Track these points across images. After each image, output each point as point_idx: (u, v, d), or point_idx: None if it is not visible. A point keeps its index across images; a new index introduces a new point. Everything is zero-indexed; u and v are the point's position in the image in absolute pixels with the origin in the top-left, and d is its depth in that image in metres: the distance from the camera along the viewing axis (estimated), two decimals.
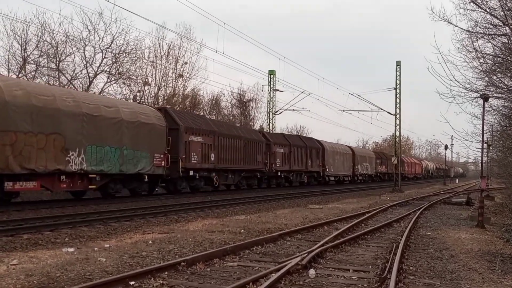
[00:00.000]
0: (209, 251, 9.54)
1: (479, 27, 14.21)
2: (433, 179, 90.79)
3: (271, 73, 46.36)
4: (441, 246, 12.02)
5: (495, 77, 16.37)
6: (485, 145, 23.36)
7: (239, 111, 52.56)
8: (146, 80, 38.00)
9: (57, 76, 30.79)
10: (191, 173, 25.35)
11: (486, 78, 16.74)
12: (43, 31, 29.77)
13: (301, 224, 15.02)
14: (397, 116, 44.17)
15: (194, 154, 25.25)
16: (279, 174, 36.28)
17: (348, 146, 54.67)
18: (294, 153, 38.07)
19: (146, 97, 37.94)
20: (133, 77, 35.84)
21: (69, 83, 31.00)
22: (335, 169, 46.40)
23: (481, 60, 15.62)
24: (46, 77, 30.43)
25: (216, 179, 28.00)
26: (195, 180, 26.36)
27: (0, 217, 14.05)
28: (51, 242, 10.79)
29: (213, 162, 26.87)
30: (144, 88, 37.97)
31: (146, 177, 22.20)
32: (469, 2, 13.21)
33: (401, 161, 68.43)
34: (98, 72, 32.40)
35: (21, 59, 29.35)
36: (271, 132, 43.61)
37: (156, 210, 17.51)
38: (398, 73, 43.93)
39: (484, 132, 18.21)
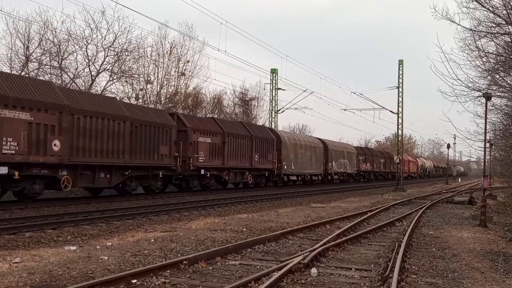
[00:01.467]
0: (211, 249, 9.55)
1: (482, 25, 14.21)
2: (433, 179, 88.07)
3: (274, 71, 46.34)
4: (443, 245, 12.00)
5: (497, 76, 16.35)
6: (487, 144, 23.32)
7: (241, 110, 52.54)
8: (149, 78, 38.04)
9: (59, 75, 30.83)
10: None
11: (489, 77, 16.73)
12: (46, 29, 29.84)
13: (303, 223, 15.01)
14: (400, 114, 44.14)
15: None
16: (203, 172, 25.91)
17: (319, 139, 44.69)
18: (231, 144, 28.35)
19: (148, 96, 37.99)
20: (136, 75, 35.88)
21: (71, 81, 31.03)
22: (298, 166, 37.89)
23: (484, 59, 15.62)
24: (49, 75, 30.48)
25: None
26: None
27: (2, 215, 14.09)
28: (54, 240, 10.81)
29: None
30: (146, 87, 38.00)
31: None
32: (472, 1, 13.22)
33: (392, 159, 63.46)
34: (100, 71, 32.44)
35: (23, 57, 29.41)
36: (193, 115, 34.05)
37: (158, 208, 17.54)
38: (400, 72, 43.91)
39: (487, 131, 18.16)
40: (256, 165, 31.60)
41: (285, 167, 35.77)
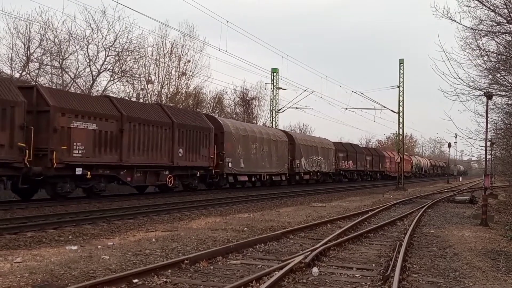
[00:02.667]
0: (212, 249, 9.55)
1: (483, 24, 14.22)
2: (430, 178, 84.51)
3: (274, 71, 46.32)
4: (444, 244, 12.00)
5: (498, 75, 16.35)
6: (488, 143, 23.32)
7: (242, 110, 52.55)
8: (149, 78, 38.09)
9: (60, 75, 30.87)
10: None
11: (490, 76, 16.74)
12: (46, 29, 29.90)
13: (304, 222, 15.01)
14: (401, 114, 44.11)
15: None
16: (78, 171, 18.22)
17: (283, 131, 39.09)
18: (135, 133, 20.82)
19: (149, 95, 38.02)
20: (136, 75, 35.97)
21: (72, 81, 31.07)
22: (250, 163, 30.44)
23: (485, 58, 15.62)
24: (50, 75, 30.53)
25: None
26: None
27: (3, 215, 14.10)
28: (55, 240, 10.82)
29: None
30: (147, 86, 38.07)
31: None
32: (473, 0, 13.20)
33: (381, 156, 61.23)
34: (101, 71, 32.49)
35: (24, 57, 29.45)
36: (67, 91, 26.38)
37: (159, 208, 17.55)
38: (401, 71, 43.88)
39: (488, 130, 18.15)
40: (181, 162, 23.46)
41: (230, 165, 28.01)
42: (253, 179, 31.91)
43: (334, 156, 45.83)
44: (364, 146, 75.23)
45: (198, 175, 25.65)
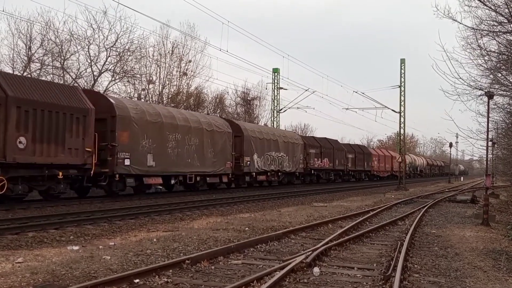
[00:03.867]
0: (214, 249, 9.56)
1: (484, 24, 14.21)
2: (432, 178, 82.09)
3: (275, 71, 46.34)
4: (446, 244, 11.99)
5: (500, 75, 16.34)
6: (490, 143, 23.31)
7: (243, 110, 52.57)
8: (151, 78, 38.12)
9: (61, 75, 30.89)
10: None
11: (491, 76, 16.72)
12: (48, 29, 29.90)
13: (306, 222, 15.01)
14: (402, 114, 44.08)
15: None
16: None
17: (227, 120, 31.13)
18: None
19: (150, 96, 38.05)
20: (138, 75, 35.97)
21: (73, 81, 31.08)
22: (163, 161, 22.69)
23: (486, 58, 15.61)
24: (51, 75, 30.54)
25: None
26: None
27: (5, 215, 14.12)
28: (56, 240, 10.83)
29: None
30: (148, 87, 38.09)
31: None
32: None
33: (367, 154, 55.66)
34: (102, 71, 32.52)
35: (25, 58, 29.48)
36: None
37: (161, 208, 17.56)
38: (402, 71, 43.87)
39: (489, 130, 18.15)
40: (22, 158, 15.89)
41: (127, 163, 20.48)
42: (172, 181, 24.16)
43: (303, 152, 38.71)
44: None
45: (61, 176, 17.36)
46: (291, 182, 37.90)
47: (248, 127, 32.29)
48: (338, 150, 46.90)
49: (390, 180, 58.95)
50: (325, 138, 46.96)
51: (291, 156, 36.64)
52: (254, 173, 31.31)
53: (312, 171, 41.06)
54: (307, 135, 49.65)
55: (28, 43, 29.47)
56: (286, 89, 47.78)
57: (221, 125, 28.09)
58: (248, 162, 30.47)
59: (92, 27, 31.52)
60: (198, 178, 25.56)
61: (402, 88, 43.77)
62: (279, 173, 34.99)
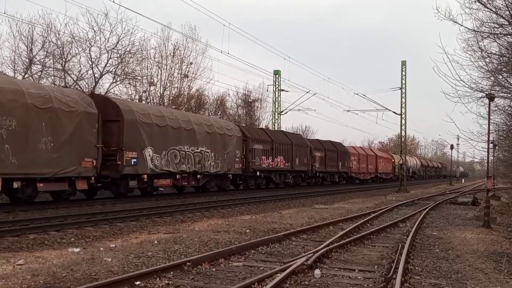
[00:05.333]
0: (215, 251, 9.56)
1: (485, 26, 14.23)
2: (425, 181, 76.59)
3: (276, 73, 46.34)
4: (447, 246, 11.98)
5: (500, 77, 16.35)
6: (491, 145, 23.30)
7: (244, 111, 52.58)
8: (152, 80, 38.10)
9: (63, 77, 30.92)
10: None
11: (492, 78, 16.72)
12: (49, 31, 29.90)
13: (307, 224, 15.01)
14: (403, 116, 44.07)
15: None
16: None
17: (84, 93, 21.52)
18: None
19: (151, 98, 38.07)
20: (139, 77, 35.96)
21: (75, 83, 31.12)
22: None
23: (487, 60, 15.62)
24: (52, 77, 30.58)
25: None
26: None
27: (6, 217, 14.12)
28: (57, 242, 10.83)
29: None
30: (149, 89, 38.09)
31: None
32: (475, 2, 13.22)
33: (343, 152, 47.64)
34: (103, 73, 32.54)
35: (27, 60, 29.49)
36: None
37: (162, 210, 17.55)
38: (403, 73, 43.86)
39: (490, 132, 18.17)
40: None
41: None
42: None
43: (242, 148, 29.55)
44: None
45: None
46: (223, 188, 28.94)
47: (135, 107, 21.82)
48: (299, 146, 37.76)
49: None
50: (281, 131, 40.28)
51: (221, 152, 27.18)
52: (145, 176, 21.33)
53: (258, 172, 31.78)
54: (260, 127, 41.84)
55: (30, 45, 29.50)
56: (287, 91, 47.71)
57: (71, 102, 17.85)
58: (134, 160, 20.65)
59: (93, 29, 31.53)
60: (17, 185, 15.90)
61: (403, 90, 43.76)
62: (198, 176, 25.43)
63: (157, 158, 21.96)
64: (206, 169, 25.91)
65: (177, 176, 23.74)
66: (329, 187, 41.79)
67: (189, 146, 24.36)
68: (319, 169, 41.87)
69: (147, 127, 21.43)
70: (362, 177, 52.83)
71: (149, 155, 21.51)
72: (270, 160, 33.12)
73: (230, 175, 29.08)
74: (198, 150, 25.12)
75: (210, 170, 26.22)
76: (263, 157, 32.16)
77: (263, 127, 46.59)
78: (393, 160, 63.07)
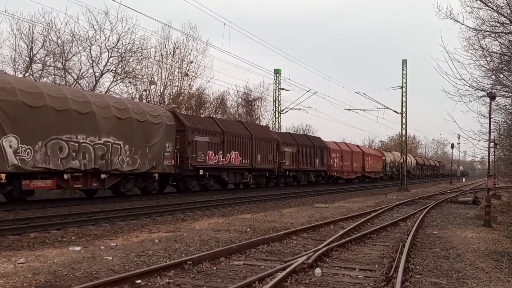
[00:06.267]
0: (215, 250, 9.56)
1: (486, 25, 14.19)
2: (423, 180, 73.72)
3: (277, 72, 46.31)
4: (447, 245, 11.98)
5: (502, 76, 16.32)
6: (492, 144, 23.29)
7: (245, 110, 52.55)
8: (152, 79, 38.09)
9: (63, 76, 30.91)
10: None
11: (493, 77, 16.69)
12: (49, 30, 29.86)
13: (307, 223, 15.01)
14: (404, 114, 44.04)
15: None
16: None
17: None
18: None
19: (152, 96, 38.05)
20: (139, 76, 35.93)
21: (75, 82, 31.11)
22: None
23: (488, 59, 15.59)
24: (53, 76, 30.57)
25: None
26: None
27: (7, 216, 14.14)
28: (58, 241, 10.84)
29: None
30: (150, 87, 38.06)
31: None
32: (476, 0, 13.18)
33: (321, 148, 41.02)
34: (104, 72, 32.51)
35: (27, 59, 29.47)
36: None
37: (163, 209, 17.56)
38: (404, 72, 43.83)
39: (491, 130, 18.15)
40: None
41: None
42: None
43: (176, 140, 23.57)
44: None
45: None
46: (148, 191, 22.60)
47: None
48: (263, 140, 31.85)
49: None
50: (239, 121, 35.09)
51: (139, 144, 20.91)
52: (3, 175, 15.46)
53: (201, 171, 25.79)
54: (208, 116, 36.74)
55: (30, 44, 29.47)
56: (287, 90, 47.86)
57: None
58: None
59: (93, 28, 31.50)
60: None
61: (404, 89, 43.71)
62: (102, 175, 19.27)
63: (27, 150, 16.09)
64: (115, 167, 19.53)
65: (65, 176, 17.68)
66: (303, 188, 35.99)
67: (85, 135, 18.22)
68: (290, 167, 35.59)
69: (6, 106, 15.55)
70: (345, 176, 46.83)
71: (11, 146, 15.66)
72: (220, 156, 27.18)
73: (156, 175, 22.30)
74: (102, 142, 18.94)
75: (122, 168, 19.87)
76: (209, 152, 26.13)
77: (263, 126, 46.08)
78: (383, 158, 58.34)
